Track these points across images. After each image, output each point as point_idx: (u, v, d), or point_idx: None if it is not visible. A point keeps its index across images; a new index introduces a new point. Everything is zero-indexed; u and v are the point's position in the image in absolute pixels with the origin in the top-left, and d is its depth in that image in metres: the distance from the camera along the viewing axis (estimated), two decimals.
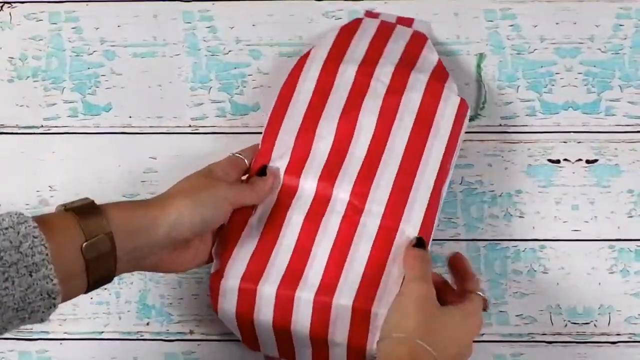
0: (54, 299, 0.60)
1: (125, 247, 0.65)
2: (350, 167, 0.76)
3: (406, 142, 0.77)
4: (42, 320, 0.61)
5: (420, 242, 0.75)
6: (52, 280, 0.59)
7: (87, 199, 0.66)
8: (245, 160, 0.78)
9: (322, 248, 0.74)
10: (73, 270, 0.62)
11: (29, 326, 0.86)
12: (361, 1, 0.87)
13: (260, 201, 0.76)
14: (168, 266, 0.73)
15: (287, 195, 0.77)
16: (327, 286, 0.72)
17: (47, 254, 0.59)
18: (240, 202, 0.74)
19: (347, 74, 0.79)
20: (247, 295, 0.73)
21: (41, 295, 0.59)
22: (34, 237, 0.59)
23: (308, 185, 0.76)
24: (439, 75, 0.80)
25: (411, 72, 0.79)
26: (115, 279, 0.86)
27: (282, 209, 0.76)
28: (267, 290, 0.73)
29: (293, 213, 0.76)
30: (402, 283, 0.72)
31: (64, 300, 0.62)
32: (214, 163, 0.76)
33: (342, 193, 0.76)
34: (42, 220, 0.61)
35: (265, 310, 0.73)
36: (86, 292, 0.65)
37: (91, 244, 0.63)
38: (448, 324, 0.70)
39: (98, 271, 0.64)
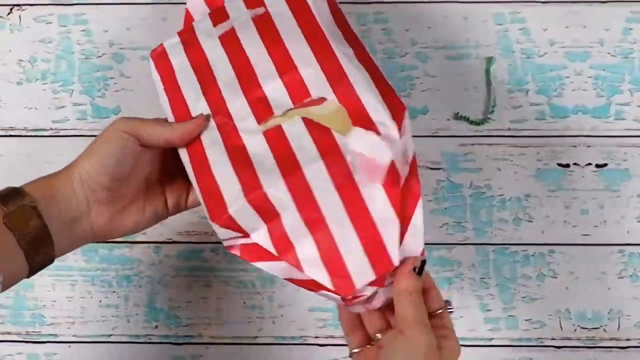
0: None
1: (50, 212, 0.66)
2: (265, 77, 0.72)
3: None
4: None
5: (422, 268, 0.65)
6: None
7: (8, 187, 0.67)
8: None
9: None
10: (3, 246, 0.63)
11: (37, 329, 0.87)
12: (370, 4, 0.87)
13: (176, 135, 0.70)
14: (110, 227, 0.70)
15: (225, 118, 0.71)
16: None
17: None
18: (141, 134, 0.69)
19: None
20: (261, 202, 0.68)
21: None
22: None
23: (239, 103, 0.72)
24: None
25: None
26: (124, 282, 0.86)
27: (229, 128, 0.71)
28: (275, 189, 0.67)
29: (241, 126, 0.71)
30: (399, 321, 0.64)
31: (6, 286, 0.62)
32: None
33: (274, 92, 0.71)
34: None
35: (286, 203, 0.67)
36: (29, 274, 0.65)
37: (12, 213, 0.63)
38: None
39: (32, 245, 0.64)
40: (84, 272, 0.87)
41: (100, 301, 0.87)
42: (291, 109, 0.69)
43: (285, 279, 0.66)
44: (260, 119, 0.70)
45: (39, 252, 0.65)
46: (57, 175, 0.68)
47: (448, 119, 0.86)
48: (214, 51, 0.74)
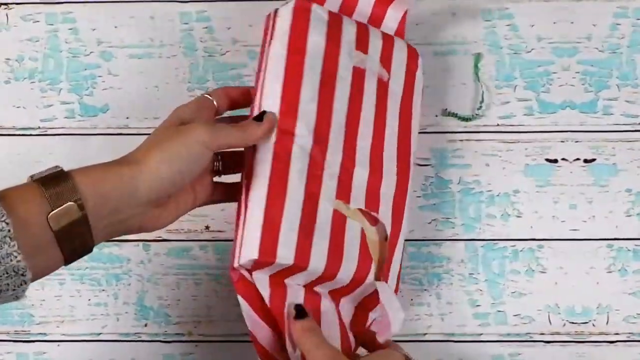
0: (23, 275, 0.57)
1: (99, 212, 0.61)
2: (337, 133, 0.73)
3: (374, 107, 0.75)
4: (16, 298, 0.59)
5: (300, 312, 0.68)
6: (16, 257, 0.56)
7: (56, 167, 0.62)
8: (214, 102, 0.72)
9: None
10: (42, 243, 0.59)
11: (26, 328, 0.86)
12: None
13: (248, 144, 0.68)
14: (153, 225, 0.68)
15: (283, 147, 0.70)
16: None
17: (8, 230, 0.56)
18: (220, 144, 0.66)
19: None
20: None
21: (7, 273, 0.56)
22: None
23: (336, 158, 0.72)
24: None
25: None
26: (113, 280, 0.86)
27: (318, 170, 0.71)
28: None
29: (326, 183, 0.71)
30: None
31: (42, 275, 0.60)
32: (181, 106, 0.70)
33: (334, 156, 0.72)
34: (3, 195, 0.58)
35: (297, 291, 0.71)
36: (65, 263, 0.62)
37: (57, 214, 0.59)
38: None
39: (71, 242, 0.60)
40: (72, 270, 0.86)
41: (89, 300, 0.86)
42: (360, 210, 0.72)
43: (249, 330, 0.69)
44: (338, 194, 0.71)
45: (76, 247, 0.61)
46: (117, 170, 0.63)
47: (436, 115, 0.87)
48: (344, 71, 0.73)
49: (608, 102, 0.87)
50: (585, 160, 0.86)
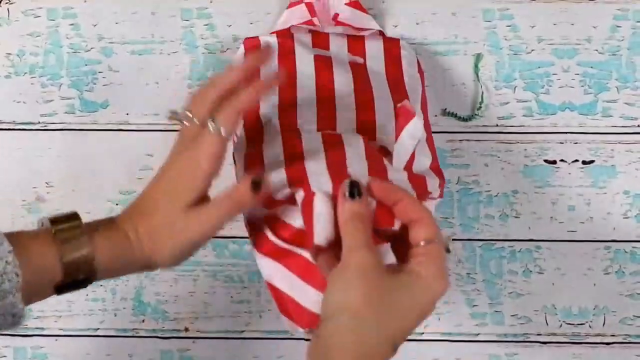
0: (20, 318, 0.60)
1: (107, 266, 0.64)
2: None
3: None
4: (8, 329, 0.61)
5: (354, 189, 0.60)
6: (17, 306, 0.59)
7: (75, 218, 0.63)
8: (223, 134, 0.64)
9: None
10: (45, 286, 0.61)
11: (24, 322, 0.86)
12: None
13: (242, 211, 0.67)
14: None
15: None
16: None
17: (17, 281, 0.58)
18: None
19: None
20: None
21: (4, 316, 0.59)
22: (7, 262, 0.58)
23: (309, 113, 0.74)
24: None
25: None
26: None
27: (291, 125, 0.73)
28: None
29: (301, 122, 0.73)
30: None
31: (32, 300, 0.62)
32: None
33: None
34: (18, 242, 0.60)
35: None
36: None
37: (67, 262, 0.61)
38: (394, 296, 0.58)
39: (73, 286, 0.63)
40: None
41: (87, 295, 0.87)
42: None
43: (266, 282, 0.67)
44: (320, 128, 0.72)
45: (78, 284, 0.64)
46: (139, 250, 0.64)
47: (436, 115, 0.87)
48: (305, 65, 0.77)
49: (607, 104, 0.87)
50: (584, 162, 0.86)
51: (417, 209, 0.61)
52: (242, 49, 0.82)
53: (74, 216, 0.63)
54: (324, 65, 0.78)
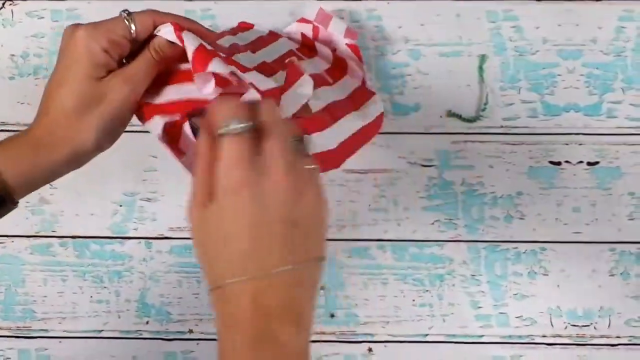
0: None
1: (19, 183, 0.64)
2: None
3: None
4: None
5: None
6: None
7: None
8: (132, 25, 0.68)
9: None
10: None
11: (28, 324, 0.87)
12: (363, 1, 0.87)
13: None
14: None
15: None
16: None
17: None
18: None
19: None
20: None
21: None
22: None
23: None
24: None
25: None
26: (115, 278, 0.87)
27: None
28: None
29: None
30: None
31: None
32: (87, 35, 0.67)
33: None
34: None
35: None
36: None
37: None
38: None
39: None
40: (75, 267, 0.87)
41: (91, 296, 0.87)
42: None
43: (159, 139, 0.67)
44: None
45: None
46: (35, 154, 0.65)
47: (440, 116, 0.87)
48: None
49: (612, 105, 0.86)
50: (589, 163, 0.86)
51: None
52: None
53: None
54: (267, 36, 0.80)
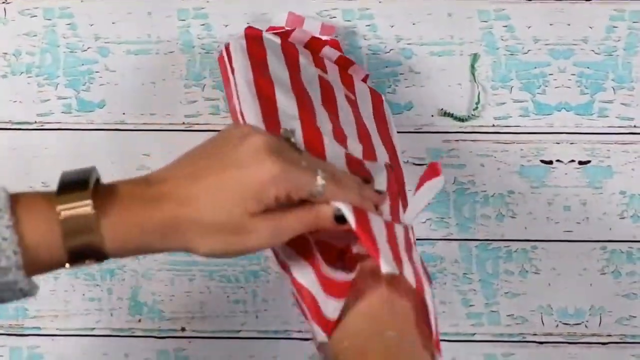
0: (31, 290, 0.55)
1: (122, 253, 0.57)
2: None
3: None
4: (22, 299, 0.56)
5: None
6: (21, 282, 0.54)
7: (85, 184, 0.56)
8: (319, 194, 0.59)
9: None
10: (51, 264, 0.56)
11: (20, 322, 0.87)
12: (355, 0, 0.87)
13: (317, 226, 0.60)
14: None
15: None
16: None
17: (17, 260, 0.53)
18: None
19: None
20: None
21: (13, 292, 0.55)
22: (3, 238, 0.53)
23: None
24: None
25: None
26: (107, 276, 0.87)
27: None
28: None
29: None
30: None
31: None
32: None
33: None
34: (17, 213, 0.54)
35: None
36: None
37: (72, 258, 0.55)
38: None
39: (81, 262, 0.56)
40: None
41: (83, 294, 0.87)
42: None
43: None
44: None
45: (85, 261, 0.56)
46: (161, 235, 0.56)
47: (432, 115, 0.87)
48: (310, 83, 0.74)
49: (603, 105, 0.87)
50: (580, 162, 0.86)
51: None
52: (240, 37, 0.78)
53: (83, 185, 0.56)
54: (327, 87, 0.76)
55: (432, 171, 0.67)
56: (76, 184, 0.56)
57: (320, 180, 0.58)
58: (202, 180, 0.56)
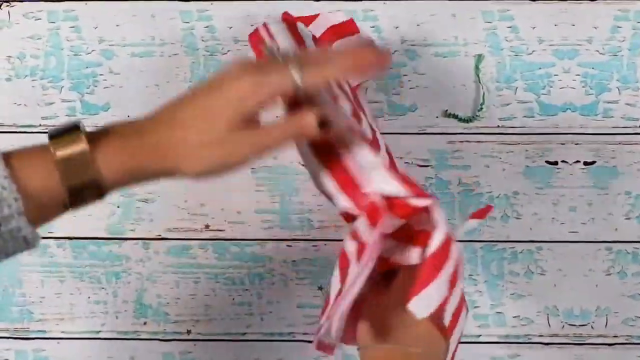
0: (34, 240, 0.57)
1: (119, 184, 0.59)
2: None
3: None
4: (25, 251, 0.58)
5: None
6: (24, 229, 0.56)
7: (76, 127, 0.58)
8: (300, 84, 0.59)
9: None
10: (53, 207, 0.57)
11: (25, 325, 0.87)
12: (360, 1, 0.87)
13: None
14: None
15: None
16: None
17: (18, 206, 0.55)
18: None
19: None
20: None
21: (16, 240, 0.56)
22: (3, 187, 0.55)
23: None
24: None
25: None
26: (113, 278, 0.87)
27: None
28: None
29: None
30: None
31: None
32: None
33: None
34: (17, 163, 0.56)
35: None
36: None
37: (73, 196, 0.57)
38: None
39: (81, 200, 0.58)
40: (72, 268, 0.87)
41: (89, 297, 0.87)
42: None
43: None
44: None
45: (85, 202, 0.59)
46: (149, 160, 0.59)
47: (437, 117, 0.87)
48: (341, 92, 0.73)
49: (608, 105, 0.87)
50: (585, 163, 0.86)
51: None
52: (279, 21, 0.75)
53: (74, 128, 0.58)
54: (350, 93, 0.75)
55: (482, 212, 0.69)
56: (66, 130, 0.59)
57: (295, 73, 0.58)
58: (189, 104, 0.60)
